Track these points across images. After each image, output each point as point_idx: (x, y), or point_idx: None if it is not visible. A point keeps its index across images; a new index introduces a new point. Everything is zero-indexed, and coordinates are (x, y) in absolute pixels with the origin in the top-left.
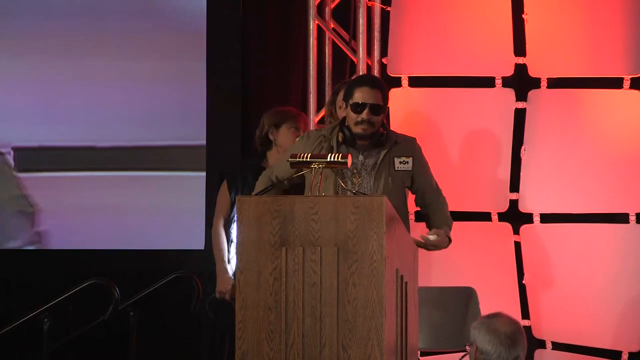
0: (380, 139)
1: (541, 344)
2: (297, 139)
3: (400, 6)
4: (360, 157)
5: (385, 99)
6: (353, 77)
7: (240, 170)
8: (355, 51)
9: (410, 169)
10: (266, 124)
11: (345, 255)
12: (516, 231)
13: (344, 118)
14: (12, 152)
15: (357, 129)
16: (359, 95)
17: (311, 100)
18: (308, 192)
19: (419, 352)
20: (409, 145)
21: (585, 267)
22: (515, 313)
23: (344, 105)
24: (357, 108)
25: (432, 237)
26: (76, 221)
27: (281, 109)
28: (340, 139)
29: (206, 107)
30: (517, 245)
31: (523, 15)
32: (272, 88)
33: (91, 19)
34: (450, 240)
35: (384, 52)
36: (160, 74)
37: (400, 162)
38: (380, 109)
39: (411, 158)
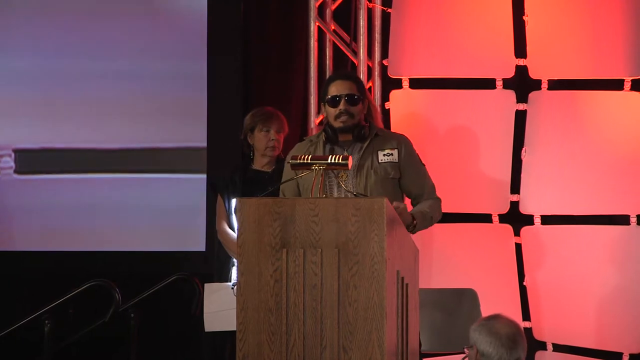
0: (362, 132)
1: (542, 345)
2: (292, 150)
3: (401, 8)
4: (345, 154)
5: (361, 90)
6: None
7: (230, 176)
8: (356, 53)
9: (396, 160)
10: (244, 128)
11: (346, 257)
12: (517, 233)
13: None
14: (13, 154)
15: (337, 123)
16: (333, 89)
17: (312, 102)
18: (305, 194)
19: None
20: (393, 139)
21: (585, 269)
22: (516, 315)
23: (324, 107)
24: (333, 101)
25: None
26: (77, 223)
27: (256, 111)
28: (324, 138)
29: (207, 109)
30: (518, 247)
31: (524, 17)
32: (273, 90)
33: (92, 20)
34: (413, 221)
35: (384, 54)
36: (161, 75)
37: (384, 155)
38: (357, 99)
39: (396, 150)
